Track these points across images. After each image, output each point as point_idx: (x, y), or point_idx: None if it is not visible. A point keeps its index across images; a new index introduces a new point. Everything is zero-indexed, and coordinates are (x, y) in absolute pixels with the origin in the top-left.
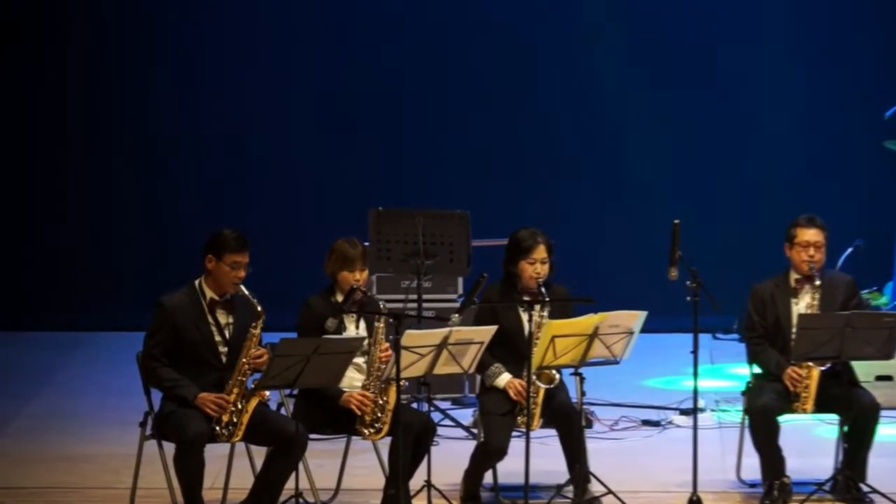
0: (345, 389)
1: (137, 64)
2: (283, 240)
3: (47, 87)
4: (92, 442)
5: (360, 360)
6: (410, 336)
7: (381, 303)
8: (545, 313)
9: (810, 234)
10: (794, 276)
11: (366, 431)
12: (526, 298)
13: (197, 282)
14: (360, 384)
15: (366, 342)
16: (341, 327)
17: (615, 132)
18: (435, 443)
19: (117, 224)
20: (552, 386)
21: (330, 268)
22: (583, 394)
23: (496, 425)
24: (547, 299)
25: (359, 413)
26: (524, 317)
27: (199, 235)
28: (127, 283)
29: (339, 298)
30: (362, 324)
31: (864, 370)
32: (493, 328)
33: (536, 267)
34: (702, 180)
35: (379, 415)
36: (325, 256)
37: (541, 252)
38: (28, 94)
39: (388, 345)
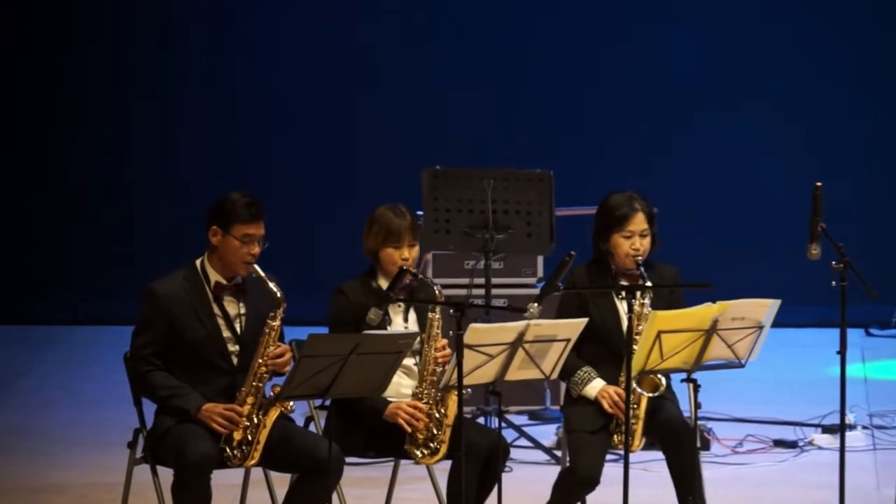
0: (391, 399)
1: (137, 33)
2: (307, 209)
3: (25, 66)
4: (66, 467)
5: (409, 361)
6: (476, 331)
7: (436, 287)
8: (646, 301)
9: None
10: None
11: (418, 453)
12: (623, 283)
13: (198, 261)
14: (409, 392)
15: (418, 339)
16: (385, 320)
17: (738, 72)
18: (507, 468)
19: (100, 196)
20: (657, 395)
21: (370, 243)
22: (697, 406)
23: (586, 446)
24: (649, 283)
25: (408, 430)
26: (620, 307)
27: (202, 205)
28: (111, 264)
29: (382, 283)
30: (412, 315)
31: None
32: (581, 321)
33: (634, 241)
34: (850, 136)
35: (435, 432)
36: (364, 229)
37: (639, 222)
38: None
39: (445, 341)
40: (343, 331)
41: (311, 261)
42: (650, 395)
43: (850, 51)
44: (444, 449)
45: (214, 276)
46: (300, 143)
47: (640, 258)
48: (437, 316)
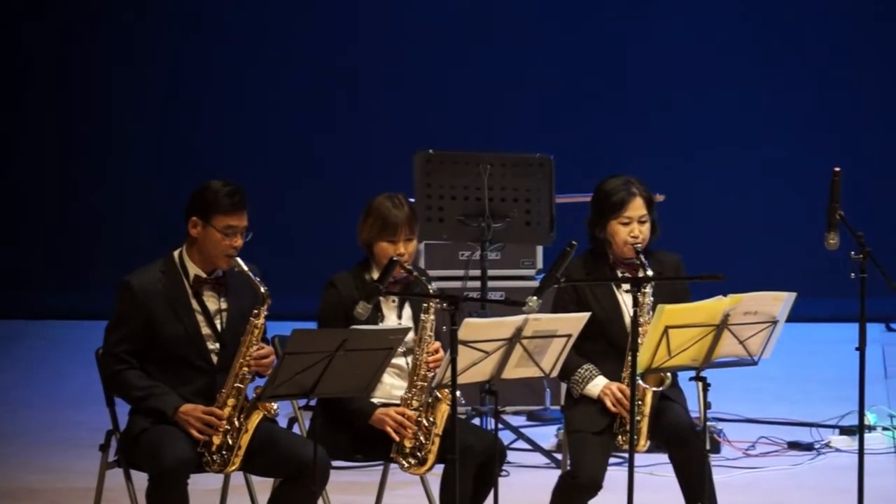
0: (378, 402)
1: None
2: (295, 198)
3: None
4: (36, 471)
5: (401, 360)
6: (471, 327)
7: (431, 286)
8: (648, 290)
9: None
10: None
11: (405, 463)
12: (626, 274)
13: (177, 253)
14: (401, 394)
15: (411, 336)
16: (377, 316)
17: (753, 52)
18: (504, 472)
19: (71, 184)
20: (662, 389)
21: (364, 234)
22: (707, 406)
23: (588, 448)
24: (650, 272)
25: (396, 438)
26: (622, 298)
27: (181, 194)
28: (84, 256)
29: (377, 277)
30: (406, 311)
31: None
32: (583, 316)
33: (633, 228)
34: (871, 120)
35: (423, 441)
36: (360, 218)
37: (637, 207)
38: None
39: (438, 344)
40: (333, 326)
41: (292, 251)
42: (655, 389)
43: (867, 31)
44: (431, 459)
45: (194, 270)
46: (274, 128)
47: (639, 246)
48: (431, 318)
